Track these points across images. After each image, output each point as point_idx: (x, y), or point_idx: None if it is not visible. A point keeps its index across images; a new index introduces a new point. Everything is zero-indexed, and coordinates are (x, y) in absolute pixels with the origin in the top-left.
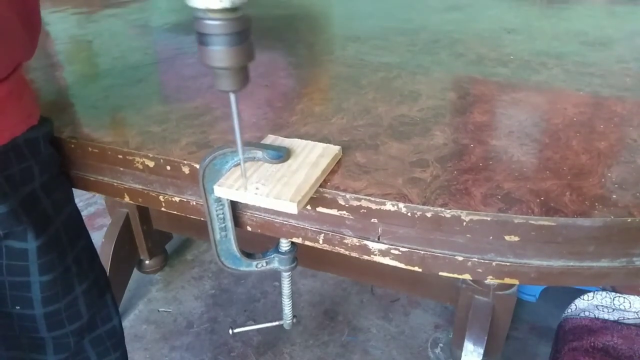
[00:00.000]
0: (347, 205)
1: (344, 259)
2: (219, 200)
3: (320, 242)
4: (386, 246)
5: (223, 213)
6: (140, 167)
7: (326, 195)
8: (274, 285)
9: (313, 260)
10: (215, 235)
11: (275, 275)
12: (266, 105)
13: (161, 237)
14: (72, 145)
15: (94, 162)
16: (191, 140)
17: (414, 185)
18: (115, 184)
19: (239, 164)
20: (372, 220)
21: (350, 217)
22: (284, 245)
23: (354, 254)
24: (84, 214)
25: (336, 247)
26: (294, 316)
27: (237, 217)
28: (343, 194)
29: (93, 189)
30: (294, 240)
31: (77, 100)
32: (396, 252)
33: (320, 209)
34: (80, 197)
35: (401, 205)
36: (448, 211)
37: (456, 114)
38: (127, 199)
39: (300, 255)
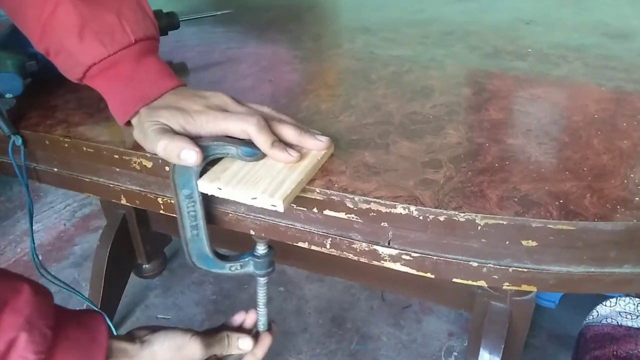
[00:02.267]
0: (355, 208)
1: (353, 263)
2: (190, 196)
3: (328, 246)
4: (397, 251)
5: (195, 210)
6: (138, 167)
7: (333, 197)
8: (279, 291)
9: (320, 264)
10: (185, 233)
11: (280, 280)
12: (270, 101)
13: (160, 239)
14: (66, 145)
15: (88, 163)
16: None
17: (426, 187)
18: (111, 185)
19: (211, 160)
20: (382, 224)
21: (359, 220)
22: (260, 248)
23: (362, 260)
24: (78, 215)
25: (344, 252)
26: (269, 328)
27: (211, 215)
28: (351, 196)
29: (88, 190)
30: (300, 244)
31: (70, 97)
32: (407, 257)
33: (327, 212)
34: (74, 198)
35: (413, 208)
36: (462, 215)
37: (471, 111)
38: (123, 201)
39: (307, 259)
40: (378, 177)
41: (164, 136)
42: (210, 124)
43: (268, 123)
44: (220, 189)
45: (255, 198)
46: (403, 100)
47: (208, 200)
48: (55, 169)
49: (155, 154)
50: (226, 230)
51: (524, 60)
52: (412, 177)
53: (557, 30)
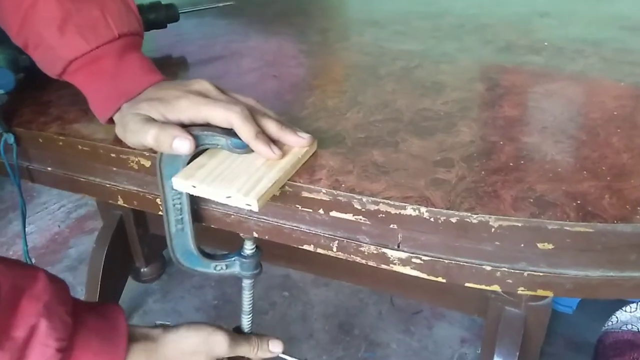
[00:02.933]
0: (363, 210)
1: (361, 267)
2: (180, 190)
3: (334, 249)
4: (407, 254)
5: (180, 203)
6: (136, 167)
7: (340, 198)
8: (283, 296)
9: (326, 267)
10: (170, 227)
11: (285, 285)
12: (274, 97)
13: (158, 242)
14: (60, 143)
15: (84, 161)
16: None
17: (437, 188)
18: (107, 185)
19: (201, 150)
20: (391, 226)
21: (367, 222)
22: (248, 247)
23: (371, 263)
24: (73, 216)
25: (351, 256)
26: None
27: (212, 217)
28: (359, 197)
29: (83, 190)
30: (305, 247)
31: (65, 92)
32: (418, 261)
33: (334, 214)
34: (69, 199)
35: (423, 209)
36: (475, 216)
37: (484, 108)
38: (120, 201)
39: (313, 262)
40: (387, 176)
41: (152, 125)
42: (192, 110)
43: (253, 115)
44: (194, 186)
45: (229, 197)
46: (413, 97)
47: (204, 200)
48: (49, 168)
49: (154, 153)
50: (214, 228)
51: (539, 54)
52: (423, 176)
53: (573, 23)
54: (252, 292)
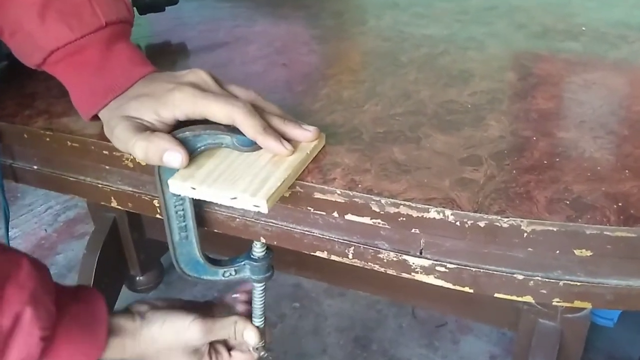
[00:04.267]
0: (382, 212)
1: (379, 275)
2: (177, 193)
3: (350, 256)
4: (430, 262)
5: (183, 209)
6: (130, 165)
7: (357, 199)
8: (293, 307)
9: (341, 276)
10: (173, 236)
11: (295, 295)
12: (284, 88)
13: (155, 248)
14: (47, 139)
15: (73, 159)
16: None
17: (464, 188)
18: (99, 185)
19: (203, 151)
20: (413, 230)
21: (387, 226)
22: (258, 250)
23: (390, 271)
24: (61, 219)
25: (369, 263)
26: (266, 351)
27: (215, 220)
28: (377, 198)
29: (73, 190)
30: (318, 254)
31: (52, 83)
32: (442, 269)
33: (349, 217)
34: (57, 200)
35: (448, 212)
36: (505, 220)
37: (516, 100)
38: (114, 203)
39: (326, 270)
40: (408, 176)
41: (140, 137)
42: (187, 104)
43: None
44: (194, 188)
45: (234, 198)
46: (437, 87)
47: (207, 203)
48: (35, 167)
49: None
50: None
51: (577, 40)
52: (448, 176)
53: (615, 5)
54: (263, 295)
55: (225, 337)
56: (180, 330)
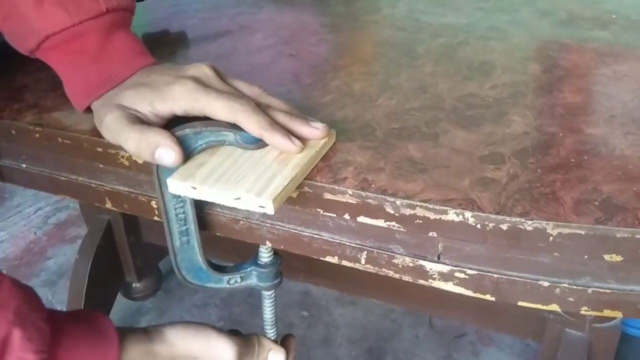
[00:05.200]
0: (397, 214)
1: (394, 282)
2: (178, 195)
3: (363, 262)
4: (449, 268)
5: (184, 212)
6: (126, 163)
7: (370, 200)
8: (301, 316)
9: (353, 283)
10: (173, 241)
11: (304, 303)
12: (291, 81)
13: (153, 252)
14: (37, 135)
15: (65, 157)
16: None
17: (485, 188)
18: (93, 185)
19: (204, 149)
20: (430, 233)
21: (402, 229)
22: (265, 255)
23: (406, 278)
24: (52, 221)
25: (383, 269)
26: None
27: (217, 223)
28: (392, 199)
29: (64, 191)
30: (328, 259)
31: (42, 75)
32: (462, 275)
33: (362, 219)
34: (47, 201)
35: (468, 214)
36: (530, 222)
37: (541, 93)
38: (108, 204)
39: (337, 277)
40: (425, 175)
41: (133, 129)
42: (187, 99)
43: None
44: (194, 188)
45: (238, 198)
46: (456, 80)
47: (208, 205)
48: (24, 165)
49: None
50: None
51: (607, 28)
52: (468, 175)
53: None
54: (274, 304)
55: (251, 356)
56: (210, 341)
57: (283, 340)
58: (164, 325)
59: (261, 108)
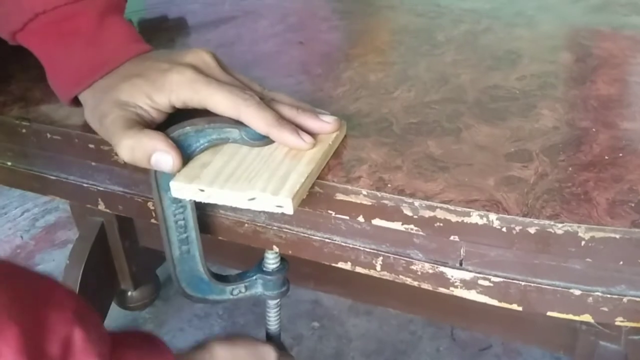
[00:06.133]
0: (415, 217)
1: (412, 290)
2: (177, 200)
3: (378, 268)
4: (472, 275)
5: (184, 219)
6: (121, 160)
7: (386, 202)
8: (312, 327)
9: (367, 291)
10: (172, 250)
11: (314, 313)
12: (300, 71)
13: (150, 258)
14: (23, 130)
15: (54, 154)
16: None
17: (511, 188)
18: (85, 185)
19: (206, 148)
20: (452, 237)
21: (421, 233)
22: (271, 261)
23: (425, 286)
24: (40, 223)
25: (400, 276)
26: None
27: (219, 226)
28: (410, 200)
29: (53, 191)
30: (341, 265)
31: (30, 63)
32: (486, 283)
33: (377, 222)
34: (35, 202)
35: (493, 216)
36: (560, 225)
37: (572, 84)
38: (101, 206)
39: (350, 284)
40: (446, 174)
41: (126, 134)
42: (185, 88)
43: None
44: (202, 190)
45: (253, 199)
46: (479, 70)
47: (206, 206)
48: (9, 163)
49: None
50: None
51: None
52: (492, 174)
53: None
54: (279, 314)
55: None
56: (256, 347)
57: None
58: (205, 341)
59: (265, 102)
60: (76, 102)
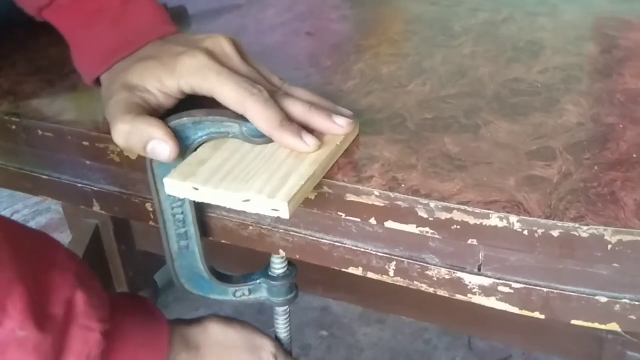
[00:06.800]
0: (431, 219)
1: (427, 297)
2: (176, 195)
3: (391, 274)
4: (491, 281)
5: (183, 213)
6: (117, 159)
7: (399, 203)
8: (320, 337)
9: (380, 298)
10: (170, 244)
11: (324, 321)
12: (309, 63)
13: (148, 262)
14: (13, 127)
15: (46, 152)
16: None
17: (533, 189)
18: (79, 184)
19: (205, 142)
20: (470, 241)
21: (437, 236)
22: (278, 266)
23: (441, 292)
24: (31, 225)
25: (414, 282)
26: None
27: (205, 222)
28: (425, 201)
29: (45, 192)
30: (351, 270)
31: (20, 56)
32: (506, 289)
33: (390, 225)
34: (25, 203)
35: (514, 218)
36: (585, 228)
37: (598, 78)
38: (96, 207)
39: (361, 291)
40: (464, 173)
41: (123, 119)
42: (194, 74)
43: (273, 97)
44: (196, 189)
45: (247, 200)
46: (500, 63)
47: (211, 207)
48: None
49: None
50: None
51: None
52: (513, 173)
53: None
54: (288, 321)
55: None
56: (252, 337)
57: None
58: (203, 317)
59: (277, 96)
60: (100, 83)
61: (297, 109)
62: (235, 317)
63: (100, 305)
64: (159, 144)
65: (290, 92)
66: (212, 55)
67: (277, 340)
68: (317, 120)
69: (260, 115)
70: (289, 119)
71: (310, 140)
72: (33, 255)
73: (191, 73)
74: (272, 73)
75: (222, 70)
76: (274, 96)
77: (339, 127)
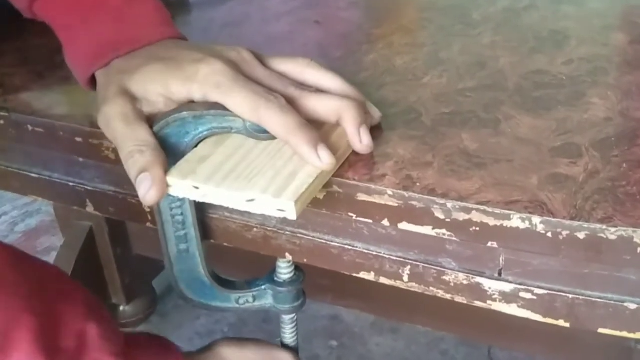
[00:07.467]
0: (448, 220)
1: (444, 304)
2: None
3: (405, 279)
4: (512, 286)
5: (182, 214)
6: (112, 156)
7: (414, 203)
8: (329, 347)
9: (393, 305)
10: (169, 247)
11: (333, 330)
12: (316, 54)
13: (145, 267)
14: (1, 121)
15: (36, 149)
16: None
17: (557, 188)
18: (71, 184)
19: (206, 137)
20: (490, 244)
21: (454, 238)
22: (284, 270)
23: (459, 299)
24: (20, 228)
25: (430, 288)
26: None
27: (206, 224)
28: (442, 201)
29: (35, 191)
30: (363, 275)
31: (8, 47)
32: (528, 296)
33: (404, 226)
34: (14, 204)
35: (536, 220)
36: (613, 230)
37: (626, 70)
38: (90, 208)
39: (373, 298)
40: (483, 171)
41: (125, 135)
42: (209, 81)
43: (298, 99)
44: (197, 188)
45: (252, 200)
46: (521, 53)
47: (213, 207)
48: None
49: None
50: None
51: None
52: (536, 171)
53: None
54: (295, 330)
55: None
56: (268, 353)
57: None
58: (213, 342)
59: (304, 97)
60: (94, 85)
61: (325, 109)
62: (240, 328)
63: (114, 338)
64: (146, 183)
65: (317, 78)
66: (229, 63)
67: (293, 350)
68: (346, 126)
69: (275, 123)
70: (309, 125)
71: (324, 156)
72: (41, 285)
73: (206, 80)
74: (296, 59)
75: (237, 78)
76: (299, 99)
77: (361, 146)
